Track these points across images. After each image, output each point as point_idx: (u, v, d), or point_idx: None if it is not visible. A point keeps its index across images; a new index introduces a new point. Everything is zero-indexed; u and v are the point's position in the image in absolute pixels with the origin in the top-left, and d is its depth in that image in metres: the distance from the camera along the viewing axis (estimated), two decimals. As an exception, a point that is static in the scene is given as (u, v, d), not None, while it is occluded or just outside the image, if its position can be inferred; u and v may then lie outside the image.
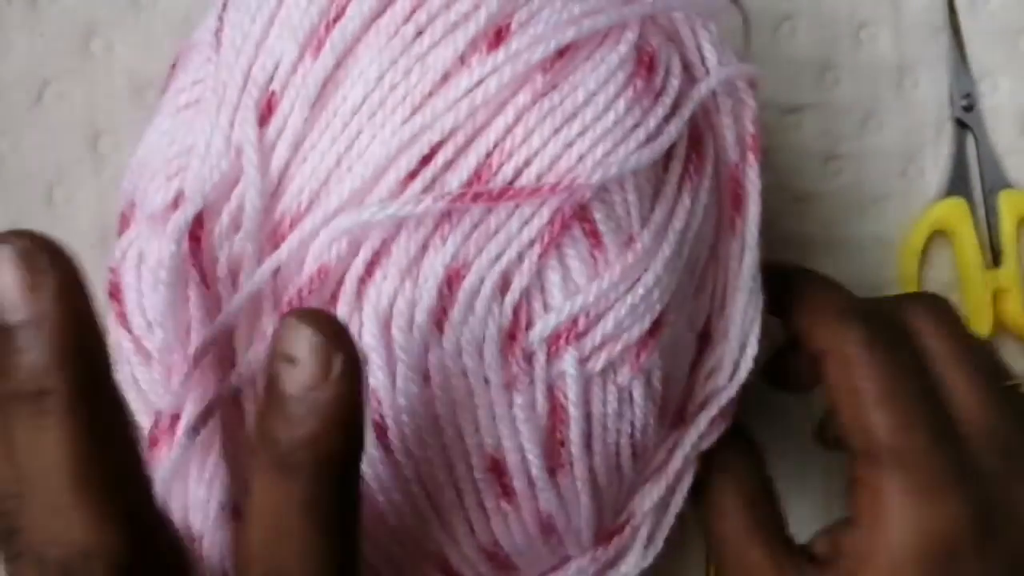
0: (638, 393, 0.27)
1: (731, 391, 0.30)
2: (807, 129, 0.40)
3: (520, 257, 0.24)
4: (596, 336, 0.26)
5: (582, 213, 0.25)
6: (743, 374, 0.30)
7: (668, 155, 0.27)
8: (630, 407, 0.27)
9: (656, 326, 0.26)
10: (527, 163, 0.24)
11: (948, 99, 0.40)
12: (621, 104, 0.25)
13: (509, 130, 0.24)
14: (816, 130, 0.40)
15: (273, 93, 0.25)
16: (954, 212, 0.39)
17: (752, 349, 0.30)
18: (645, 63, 0.26)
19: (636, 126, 0.26)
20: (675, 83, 0.27)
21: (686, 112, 0.27)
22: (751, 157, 0.29)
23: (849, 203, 0.40)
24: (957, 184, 0.40)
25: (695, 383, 0.30)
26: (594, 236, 0.25)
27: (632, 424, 0.27)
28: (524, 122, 0.24)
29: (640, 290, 0.26)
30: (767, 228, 0.39)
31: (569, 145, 0.25)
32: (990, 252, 0.40)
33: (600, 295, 0.25)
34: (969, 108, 0.40)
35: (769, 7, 0.40)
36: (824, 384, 0.30)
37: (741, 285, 0.30)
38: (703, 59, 0.28)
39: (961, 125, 0.40)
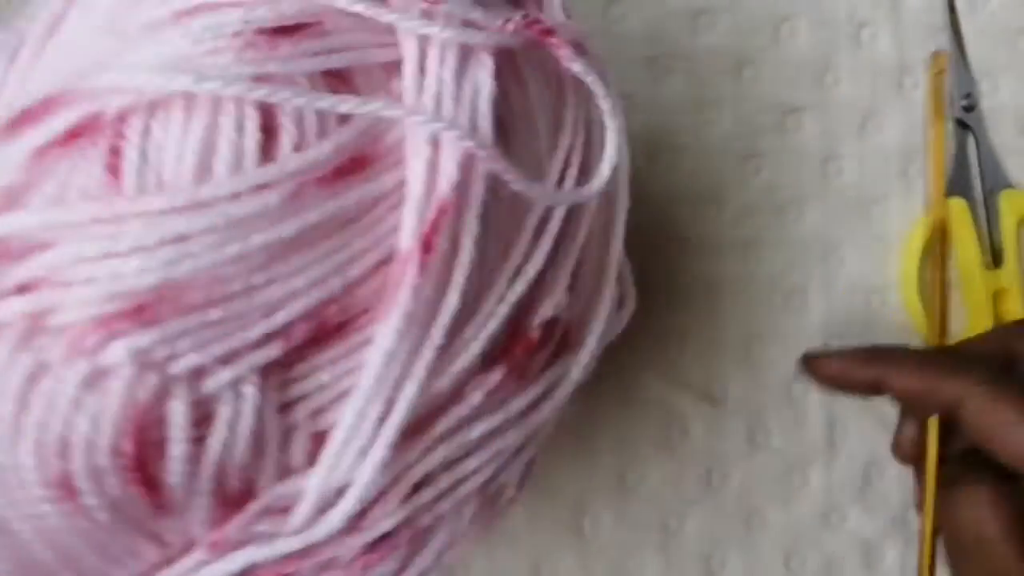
0: (74, 388, 0.20)
1: (293, 544, 0.22)
2: (807, 129, 0.40)
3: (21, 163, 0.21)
4: (33, 267, 0.20)
5: (114, 137, 0.21)
6: (334, 522, 0.22)
7: (270, 135, 0.21)
8: (69, 405, 0.20)
9: (139, 309, 0.20)
10: (63, 79, 0.22)
11: (948, 99, 0.40)
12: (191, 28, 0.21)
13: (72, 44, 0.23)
14: (816, 130, 0.40)
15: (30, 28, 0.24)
16: (954, 212, 0.39)
17: (358, 490, 0.21)
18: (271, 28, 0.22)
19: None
20: (305, 46, 0.22)
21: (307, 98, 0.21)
22: (428, 242, 0.21)
23: (849, 203, 0.40)
24: (958, 184, 0.40)
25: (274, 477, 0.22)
26: (113, 165, 0.21)
27: (61, 431, 0.20)
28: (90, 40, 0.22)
29: (111, 243, 0.20)
30: (762, 231, 0.39)
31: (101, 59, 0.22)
32: (990, 252, 0.40)
33: (59, 224, 0.20)
34: (970, 108, 0.40)
35: (769, 7, 0.40)
36: (966, 429, 0.31)
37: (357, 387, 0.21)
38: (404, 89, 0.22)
39: (962, 125, 0.40)
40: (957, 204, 0.39)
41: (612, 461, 0.38)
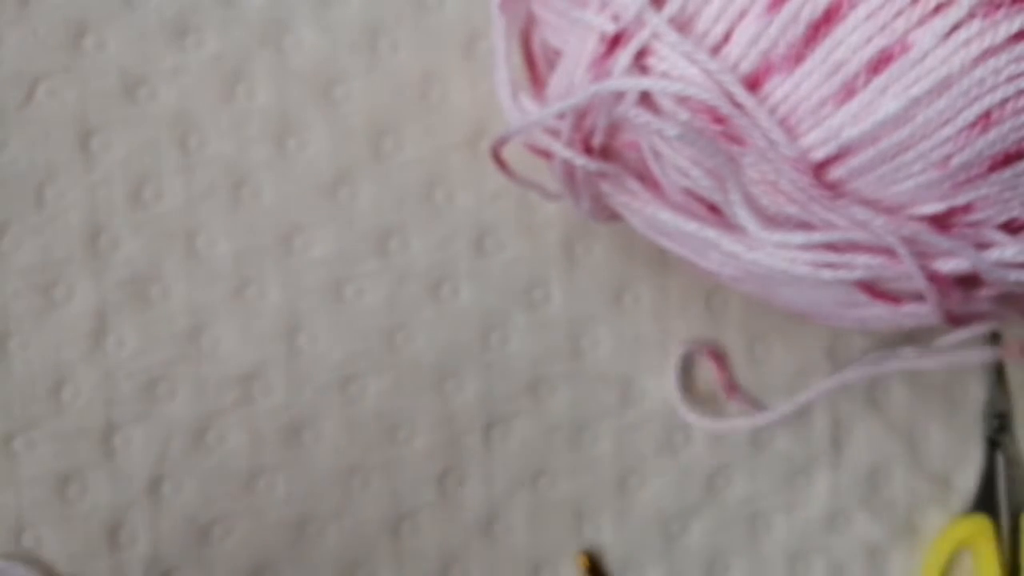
0: None
1: None
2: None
3: None
4: None
5: None
6: None
7: None
8: None
9: None
10: None
11: (982, 415, 0.40)
12: None
13: None
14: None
15: None
16: (978, 530, 0.39)
17: None
18: None
19: None
20: None
21: None
22: None
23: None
24: (984, 502, 0.39)
25: None
26: None
27: None
28: None
29: None
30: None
31: None
32: (1011, 572, 0.39)
33: None
34: (1002, 429, 0.39)
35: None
36: None
37: None
38: None
39: (992, 444, 0.39)
40: (981, 522, 0.39)
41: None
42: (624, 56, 0.27)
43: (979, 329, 0.35)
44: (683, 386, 0.38)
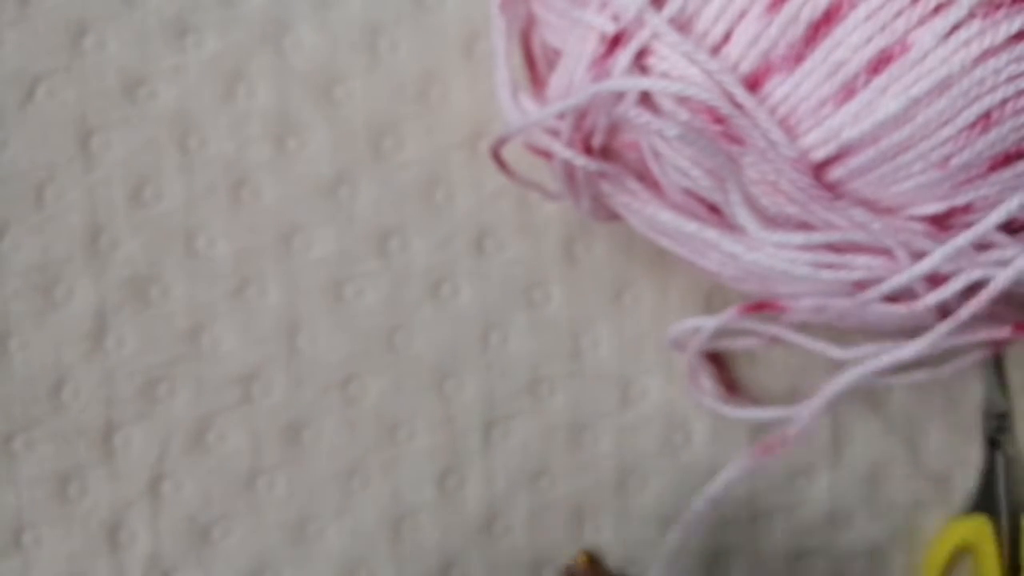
0: None
1: None
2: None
3: None
4: None
5: None
6: None
7: None
8: None
9: None
10: None
11: (982, 415, 0.39)
12: None
13: None
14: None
15: None
16: (978, 530, 0.38)
17: None
18: None
19: None
20: None
21: None
22: None
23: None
24: (983, 502, 0.39)
25: None
26: None
27: None
28: None
29: None
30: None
31: None
32: (1011, 572, 0.38)
33: None
34: (1002, 429, 0.39)
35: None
36: None
37: None
38: None
39: (992, 444, 0.39)
40: (981, 522, 0.38)
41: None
42: (624, 56, 0.27)
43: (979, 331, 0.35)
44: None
